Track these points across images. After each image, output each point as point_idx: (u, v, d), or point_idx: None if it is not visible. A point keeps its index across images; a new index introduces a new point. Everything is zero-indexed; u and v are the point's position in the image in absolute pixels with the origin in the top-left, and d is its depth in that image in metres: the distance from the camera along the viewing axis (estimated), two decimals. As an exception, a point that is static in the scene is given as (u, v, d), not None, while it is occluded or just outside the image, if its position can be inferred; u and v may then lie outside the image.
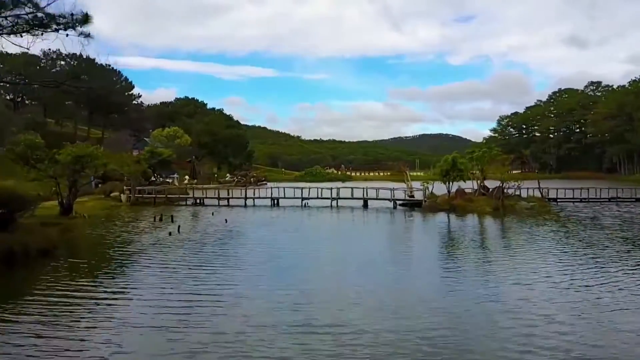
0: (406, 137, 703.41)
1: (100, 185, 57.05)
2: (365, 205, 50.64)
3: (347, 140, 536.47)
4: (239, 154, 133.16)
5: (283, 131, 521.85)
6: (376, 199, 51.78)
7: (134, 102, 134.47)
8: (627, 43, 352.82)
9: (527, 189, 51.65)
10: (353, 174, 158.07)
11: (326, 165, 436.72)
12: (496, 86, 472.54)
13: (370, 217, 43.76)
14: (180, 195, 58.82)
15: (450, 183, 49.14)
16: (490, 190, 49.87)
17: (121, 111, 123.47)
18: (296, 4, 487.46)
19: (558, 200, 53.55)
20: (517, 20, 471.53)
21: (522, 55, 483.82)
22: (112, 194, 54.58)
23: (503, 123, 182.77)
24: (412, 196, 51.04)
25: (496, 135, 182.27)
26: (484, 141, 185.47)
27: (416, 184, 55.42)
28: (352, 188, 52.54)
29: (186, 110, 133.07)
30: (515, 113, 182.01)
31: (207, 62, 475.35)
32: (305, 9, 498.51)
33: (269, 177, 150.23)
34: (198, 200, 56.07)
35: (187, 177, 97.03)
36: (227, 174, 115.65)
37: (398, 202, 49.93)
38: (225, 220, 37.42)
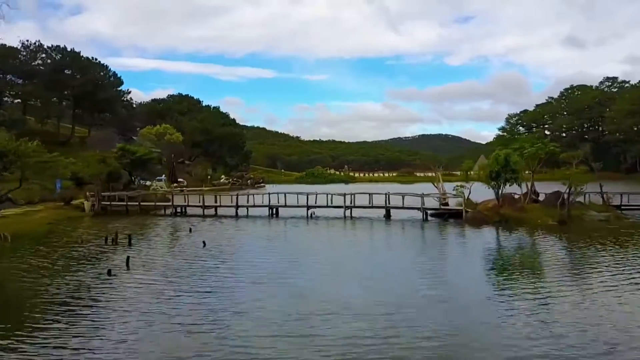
0: (406, 137, 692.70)
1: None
2: (388, 216, 39.50)
3: (346, 141, 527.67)
4: (236, 154, 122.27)
5: (282, 132, 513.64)
6: (401, 207, 39.83)
7: (124, 99, 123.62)
8: (625, 43, 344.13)
9: (589, 193, 40.51)
10: (357, 174, 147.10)
11: (326, 166, 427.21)
12: (494, 87, 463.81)
13: (396, 232, 32.98)
14: (157, 204, 47.55)
15: (501, 188, 37.99)
16: (544, 196, 39.09)
17: (109, 108, 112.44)
18: (294, 5, 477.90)
19: (622, 207, 42.35)
20: (515, 21, 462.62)
21: (520, 56, 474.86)
22: (73, 202, 43.60)
23: (512, 121, 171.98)
24: (446, 204, 40.08)
25: (504, 134, 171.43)
26: (494, 140, 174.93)
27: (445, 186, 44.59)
28: (369, 194, 41.46)
29: (179, 108, 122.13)
30: (525, 111, 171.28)
31: (205, 62, 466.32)
32: (303, 10, 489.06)
33: (267, 179, 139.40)
34: (179, 209, 45.09)
35: (179, 180, 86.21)
36: (222, 176, 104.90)
37: (429, 211, 38.88)
38: (204, 242, 26.28)
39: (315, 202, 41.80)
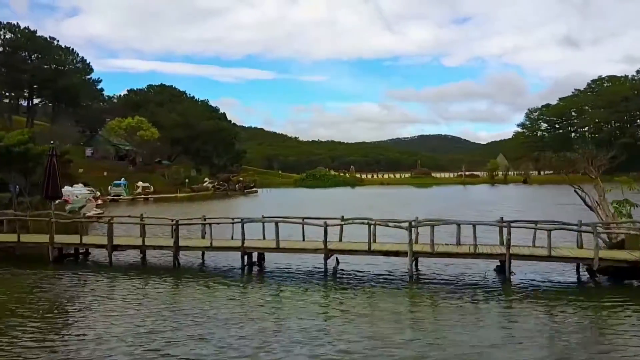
0: (405, 138, 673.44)
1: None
2: (501, 269, 16.99)
3: (345, 142, 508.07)
4: (225, 153, 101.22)
5: (280, 132, 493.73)
6: (534, 258, 16.61)
7: (95, 89, 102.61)
8: (622, 43, 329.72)
9: None
10: (363, 176, 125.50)
11: (327, 167, 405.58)
12: (491, 87, 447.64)
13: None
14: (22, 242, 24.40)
15: None
16: None
17: (72, 99, 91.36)
18: (291, 7, 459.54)
19: None
20: (512, 21, 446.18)
21: (517, 57, 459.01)
22: None
23: (533, 117, 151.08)
24: (619, 243, 18.79)
25: (524, 131, 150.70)
26: (514, 137, 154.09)
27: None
28: (457, 225, 17.87)
29: (159, 99, 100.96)
30: (547, 105, 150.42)
31: (203, 64, 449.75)
32: (300, 11, 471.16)
33: (263, 182, 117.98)
34: (70, 251, 21.78)
35: (140, 184, 64.92)
36: (206, 179, 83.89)
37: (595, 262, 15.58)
38: None
39: (341, 236, 20.40)
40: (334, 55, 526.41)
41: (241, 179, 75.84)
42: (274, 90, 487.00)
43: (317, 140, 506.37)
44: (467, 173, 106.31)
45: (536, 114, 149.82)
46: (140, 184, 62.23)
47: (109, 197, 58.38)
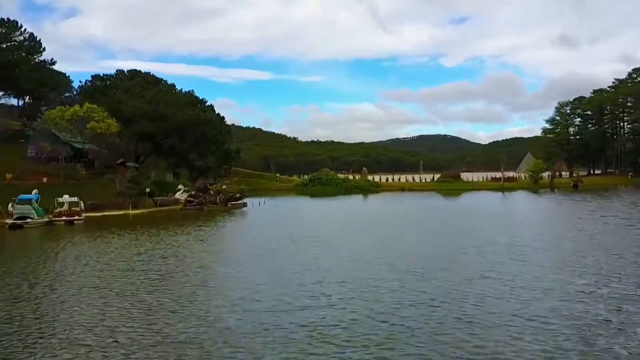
0: (404, 138, 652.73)
1: None
2: None
3: (345, 142, 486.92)
4: (210, 152, 79.05)
5: (278, 133, 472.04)
6: None
7: (47, 73, 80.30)
8: (618, 42, 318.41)
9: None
10: (376, 177, 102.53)
11: (324, 168, 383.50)
12: (489, 87, 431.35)
13: None
14: None
15: None
16: None
17: (10, 82, 69.08)
18: (288, 8, 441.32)
19: None
20: (510, 21, 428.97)
21: (515, 57, 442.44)
22: None
23: (564, 111, 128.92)
24: None
25: (554, 127, 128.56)
26: (542, 135, 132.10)
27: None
28: None
29: (128, 86, 78.36)
30: (580, 98, 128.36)
31: (200, 65, 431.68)
32: (297, 12, 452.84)
33: (259, 187, 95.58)
34: None
35: (65, 198, 42.21)
36: (180, 186, 61.47)
37: None
38: None
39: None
40: (331, 56, 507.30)
41: (225, 186, 53.00)
42: (272, 91, 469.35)
43: (316, 140, 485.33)
44: (505, 175, 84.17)
45: (568, 108, 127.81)
46: (64, 198, 40.00)
47: (8, 220, 36.20)
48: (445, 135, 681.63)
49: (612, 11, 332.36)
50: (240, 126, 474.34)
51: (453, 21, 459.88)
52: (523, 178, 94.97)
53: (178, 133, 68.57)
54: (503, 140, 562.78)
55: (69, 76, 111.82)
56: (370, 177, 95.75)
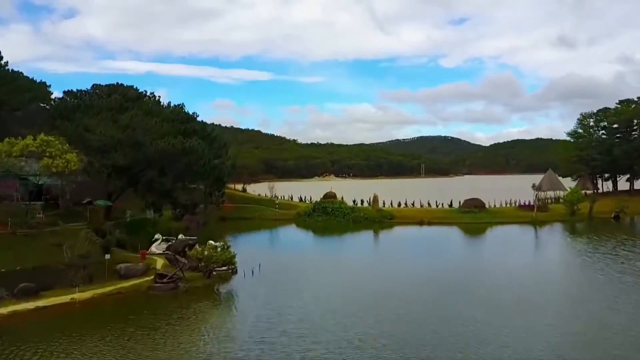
0: (404, 139, 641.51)
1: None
2: None
3: (344, 144, 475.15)
4: (199, 180, 66.95)
5: (278, 134, 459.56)
6: None
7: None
8: (617, 44, 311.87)
9: None
10: (387, 202, 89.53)
11: (326, 171, 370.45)
12: (488, 88, 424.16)
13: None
14: None
15: None
16: None
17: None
18: (288, 9, 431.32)
19: None
20: (509, 22, 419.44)
21: (514, 58, 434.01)
22: None
23: (587, 123, 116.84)
24: None
25: (577, 139, 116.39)
26: (564, 149, 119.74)
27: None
28: None
29: (103, 105, 66.03)
30: (605, 109, 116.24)
31: (200, 65, 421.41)
32: (297, 13, 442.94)
33: (255, 214, 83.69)
34: None
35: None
36: (158, 235, 49.07)
37: None
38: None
39: None
40: (330, 57, 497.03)
41: (208, 250, 39.25)
42: (271, 92, 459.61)
43: (315, 142, 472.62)
44: (537, 202, 72.15)
45: (591, 120, 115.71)
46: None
47: None
48: (445, 137, 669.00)
49: (611, 12, 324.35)
50: (239, 128, 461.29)
51: (452, 22, 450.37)
52: (543, 197, 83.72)
53: (158, 165, 56.38)
54: (504, 142, 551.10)
55: (48, 85, 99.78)
56: (380, 199, 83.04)
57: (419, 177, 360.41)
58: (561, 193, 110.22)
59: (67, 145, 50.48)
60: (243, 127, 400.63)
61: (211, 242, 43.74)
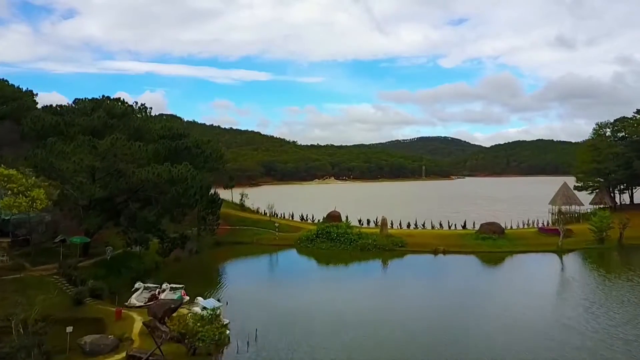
0: (404, 140, 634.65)
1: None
2: None
3: (344, 145, 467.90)
4: (190, 208, 59.59)
5: (277, 136, 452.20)
6: None
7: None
8: (615, 44, 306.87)
9: None
10: (395, 225, 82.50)
11: (326, 174, 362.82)
12: (487, 88, 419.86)
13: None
14: None
15: None
16: None
17: None
18: (287, 9, 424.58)
19: None
20: (508, 23, 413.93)
21: (512, 58, 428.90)
22: None
23: (602, 133, 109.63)
24: None
25: (593, 152, 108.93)
26: (579, 162, 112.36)
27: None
28: None
29: (84, 125, 58.63)
30: (623, 118, 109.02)
31: (199, 65, 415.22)
32: (296, 14, 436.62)
33: (253, 238, 76.46)
34: None
35: None
36: (139, 283, 42.04)
37: None
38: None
39: None
40: (330, 57, 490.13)
41: (191, 321, 32.07)
42: (270, 92, 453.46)
43: (315, 144, 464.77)
44: (562, 229, 64.95)
45: (608, 130, 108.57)
46: None
47: None
48: (445, 137, 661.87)
49: (609, 13, 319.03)
50: (238, 129, 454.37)
51: (451, 22, 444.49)
52: (556, 211, 77.10)
53: (142, 196, 49.21)
54: (505, 143, 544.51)
55: (35, 94, 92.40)
56: (389, 221, 75.82)
57: (420, 179, 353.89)
58: (576, 207, 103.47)
59: (36, 177, 43.43)
60: (242, 127, 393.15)
61: (199, 300, 36.54)
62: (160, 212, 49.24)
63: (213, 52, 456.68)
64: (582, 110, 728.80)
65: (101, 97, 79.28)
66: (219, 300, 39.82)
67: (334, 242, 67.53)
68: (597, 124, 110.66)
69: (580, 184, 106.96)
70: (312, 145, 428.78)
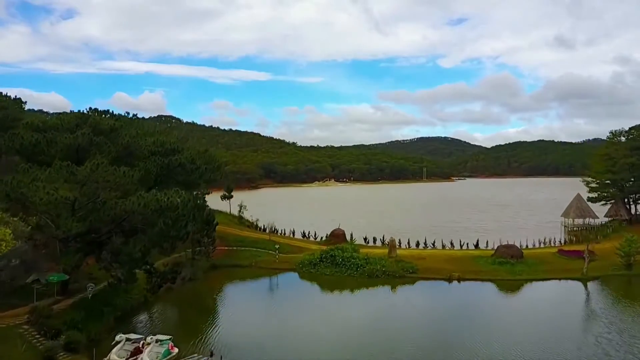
0: (404, 140, 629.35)
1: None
2: None
3: (343, 145, 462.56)
4: (179, 235, 53.90)
5: (277, 137, 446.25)
6: None
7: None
8: (614, 44, 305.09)
9: None
10: (405, 241, 77.26)
11: (326, 176, 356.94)
12: (486, 88, 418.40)
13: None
14: None
15: None
16: None
17: None
18: (287, 9, 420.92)
19: None
20: (507, 23, 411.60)
21: (511, 58, 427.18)
22: None
23: (617, 140, 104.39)
24: None
25: (607, 160, 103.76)
26: (594, 172, 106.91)
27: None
28: None
29: (65, 142, 53.27)
30: (638, 127, 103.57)
31: (199, 65, 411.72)
32: (295, 14, 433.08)
33: (251, 261, 70.99)
34: None
35: None
36: (120, 336, 36.95)
37: None
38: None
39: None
40: (329, 57, 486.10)
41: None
42: (269, 92, 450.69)
43: (315, 145, 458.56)
44: (587, 256, 59.41)
45: (625, 137, 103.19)
46: None
47: None
48: (445, 138, 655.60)
49: (608, 13, 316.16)
50: (237, 130, 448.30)
51: (450, 22, 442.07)
52: (569, 223, 71.70)
53: (127, 228, 43.72)
54: (506, 144, 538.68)
55: (24, 102, 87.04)
56: (396, 240, 70.47)
57: (421, 181, 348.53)
58: (590, 220, 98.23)
59: (3, 211, 37.99)
60: (241, 127, 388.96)
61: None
62: (147, 246, 43.66)
63: (212, 52, 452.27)
64: (582, 110, 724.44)
65: (88, 110, 73.90)
66: (211, 354, 34.53)
67: (339, 267, 62.10)
68: (611, 132, 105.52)
69: (594, 195, 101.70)
70: (312, 147, 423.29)
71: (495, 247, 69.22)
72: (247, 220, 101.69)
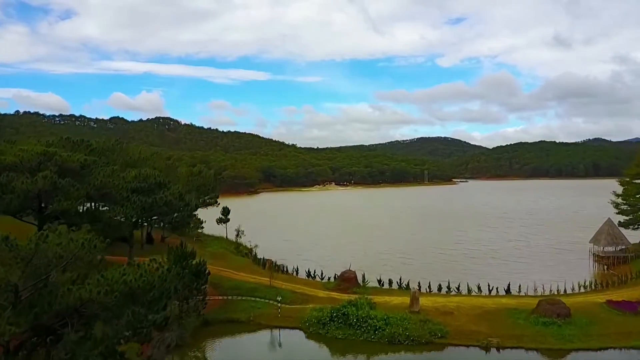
0: (404, 140, 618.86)
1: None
2: None
3: (342, 145, 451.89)
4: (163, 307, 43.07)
5: (275, 137, 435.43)
6: None
7: None
8: (612, 43, 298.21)
9: None
10: (426, 292, 66.65)
11: (326, 180, 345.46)
12: (485, 88, 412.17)
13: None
14: None
15: None
16: None
17: None
18: (285, 9, 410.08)
19: None
20: (505, 22, 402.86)
21: (510, 57, 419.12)
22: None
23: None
24: None
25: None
26: (625, 189, 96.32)
27: None
28: None
29: (23, 188, 42.62)
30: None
31: (197, 65, 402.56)
32: (294, 14, 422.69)
33: (248, 314, 60.34)
34: None
35: None
36: None
37: None
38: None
39: None
40: (327, 57, 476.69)
41: None
42: (267, 92, 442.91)
43: (314, 147, 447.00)
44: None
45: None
46: None
47: None
48: (444, 137, 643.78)
49: (606, 12, 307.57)
50: (236, 131, 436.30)
51: (449, 22, 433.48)
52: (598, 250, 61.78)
53: (84, 321, 33.00)
54: (507, 145, 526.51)
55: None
56: (416, 284, 59.82)
57: (422, 184, 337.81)
58: (622, 247, 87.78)
59: None
60: (239, 127, 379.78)
61: None
62: (113, 342, 32.89)
63: (211, 52, 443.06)
64: (580, 109, 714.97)
65: (63, 137, 63.04)
66: None
67: (352, 329, 51.42)
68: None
69: (628, 218, 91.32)
70: (311, 149, 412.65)
71: (528, 292, 59.03)
72: (245, 247, 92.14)
